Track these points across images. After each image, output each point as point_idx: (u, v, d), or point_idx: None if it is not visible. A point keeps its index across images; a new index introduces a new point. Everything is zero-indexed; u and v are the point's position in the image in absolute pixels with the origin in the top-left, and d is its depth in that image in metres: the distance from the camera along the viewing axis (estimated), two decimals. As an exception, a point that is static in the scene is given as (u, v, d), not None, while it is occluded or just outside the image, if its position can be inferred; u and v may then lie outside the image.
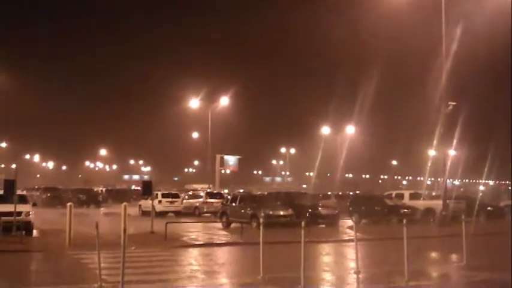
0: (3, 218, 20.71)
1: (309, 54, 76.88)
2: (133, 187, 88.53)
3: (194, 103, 55.28)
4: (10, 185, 21.67)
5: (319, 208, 29.58)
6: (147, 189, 25.06)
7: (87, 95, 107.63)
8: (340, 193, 49.67)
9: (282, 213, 26.91)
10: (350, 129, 62.32)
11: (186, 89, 59.22)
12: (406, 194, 35.60)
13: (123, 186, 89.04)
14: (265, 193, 41.45)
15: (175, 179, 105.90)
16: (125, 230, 11.34)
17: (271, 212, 26.14)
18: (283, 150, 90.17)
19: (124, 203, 21.01)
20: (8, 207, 21.62)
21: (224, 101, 54.64)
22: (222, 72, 58.86)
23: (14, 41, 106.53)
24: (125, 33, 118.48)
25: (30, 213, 23.10)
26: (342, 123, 62.93)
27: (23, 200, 23.48)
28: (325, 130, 64.74)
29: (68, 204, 20.47)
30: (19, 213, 21.83)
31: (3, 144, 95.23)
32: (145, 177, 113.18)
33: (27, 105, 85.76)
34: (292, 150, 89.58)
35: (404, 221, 13.13)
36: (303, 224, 12.60)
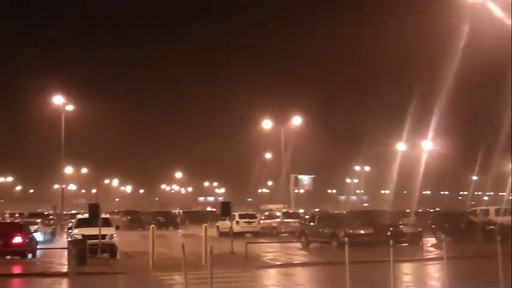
0: (89, 241, 21.31)
1: (381, 68, 75.75)
2: (208, 208, 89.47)
3: (267, 123, 55.44)
4: (95, 209, 22.30)
5: (401, 226, 28.72)
6: (226, 210, 25.15)
7: (162, 119, 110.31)
8: (420, 210, 48.25)
9: (362, 232, 26.29)
10: (426, 145, 60.67)
11: (259, 109, 59.57)
12: (492, 209, 34.14)
13: (198, 208, 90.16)
14: (344, 212, 40.80)
15: (249, 199, 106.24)
16: (211, 251, 11.27)
17: (351, 231, 25.57)
18: (357, 168, 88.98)
19: (204, 224, 21.17)
20: (93, 231, 22.25)
21: (296, 120, 54.49)
22: (292, 91, 58.95)
23: (91, 68, 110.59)
24: (197, 57, 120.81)
25: (114, 235, 23.66)
26: (418, 139, 61.39)
27: (107, 223, 24.12)
28: (401, 146, 63.32)
29: (151, 226, 20.80)
30: (104, 236, 22.42)
31: (85, 170, 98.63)
32: (220, 198, 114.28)
33: (106, 131, 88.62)
34: (367, 168, 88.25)
35: (498, 238, 12.47)
36: (391, 242, 12.19)
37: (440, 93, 44.44)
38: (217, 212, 61.45)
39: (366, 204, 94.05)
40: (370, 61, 77.68)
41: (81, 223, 24.76)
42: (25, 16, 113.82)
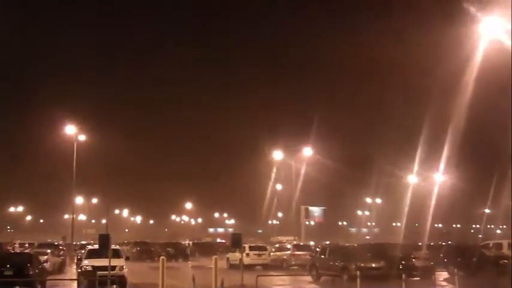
0: (99, 272, 21.22)
1: (393, 100, 75.72)
2: (218, 240, 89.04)
3: (277, 154, 55.47)
4: (105, 240, 22.20)
5: (413, 259, 28.37)
6: (236, 242, 25.01)
7: (172, 150, 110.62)
8: (431, 244, 47.71)
9: (374, 265, 25.98)
10: (438, 177, 60.37)
11: (269, 140, 59.70)
12: (505, 243, 33.67)
13: (208, 240, 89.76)
14: (355, 245, 40.43)
15: (260, 231, 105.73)
16: (222, 284, 11.18)
17: (362, 264, 25.27)
18: (368, 200, 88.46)
19: (214, 256, 21.05)
20: (103, 262, 22.16)
21: (307, 151, 54.51)
22: (303, 122, 59.04)
23: (104, 99, 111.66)
24: (207, 89, 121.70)
25: (124, 267, 23.55)
26: (429, 171, 61.11)
27: (117, 254, 24.02)
28: (412, 178, 63.04)
29: (161, 258, 20.66)
30: (114, 268, 22.30)
31: (95, 200, 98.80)
32: (230, 230, 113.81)
33: (117, 161, 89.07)
34: (378, 200, 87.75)
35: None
36: (403, 276, 12.04)
37: (452, 125, 44.36)
38: (227, 244, 61.29)
39: (367, 237, 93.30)
40: (381, 92, 77.69)
41: (91, 254, 24.68)
42: (36, 45, 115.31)
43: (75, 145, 48.59)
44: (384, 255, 27.87)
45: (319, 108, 54.42)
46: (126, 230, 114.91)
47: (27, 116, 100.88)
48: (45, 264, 26.38)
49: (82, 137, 49.65)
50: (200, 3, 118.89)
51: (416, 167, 60.14)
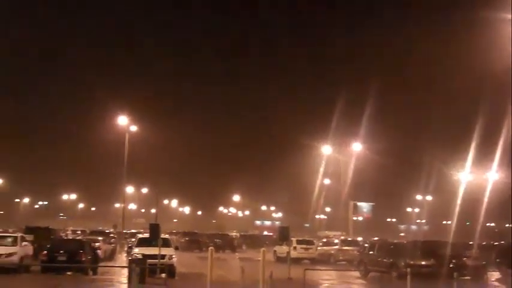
0: (149, 261, 21.58)
1: (448, 94, 74.02)
2: (265, 233, 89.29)
3: (326, 149, 55.13)
4: (155, 229, 22.58)
5: (464, 259, 27.73)
6: (284, 235, 25.01)
7: (223, 142, 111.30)
8: (484, 243, 46.58)
9: (423, 263, 25.55)
10: (491, 176, 58.81)
11: (319, 134, 59.32)
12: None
13: (255, 232, 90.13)
14: (405, 241, 39.89)
15: (307, 225, 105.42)
16: (271, 276, 11.20)
17: (412, 262, 24.88)
18: (419, 197, 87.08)
19: (262, 249, 21.09)
20: (153, 250, 22.55)
21: (357, 146, 53.97)
22: (353, 116, 58.17)
23: (155, 90, 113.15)
24: (256, 81, 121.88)
25: (173, 256, 23.90)
26: (482, 169, 59.57)
27: (166, 243, 24.39)
28: (465, 176, 61.60)
29: (209, 248, 20.85)
30: (163, 256, 22.65)
31: (145, 190, 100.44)
32: (277, 223, 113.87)
33: (168, 151, 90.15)
34: (429, 197, 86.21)
35: None
36: (455, 275, 11.79)
37: (507, 122, 43.18)
38: (274, 237, 61.41)
39: (402, 234, 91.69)
40: (435, 87, 76.11)
41: (141, 242, 25.14)
42: (93, 36, 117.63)
43: (126, 135, 49.50)
44: (434, 253, 27.34)
45: (370, 103, 53.51)
46: (175, 220, 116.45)
47: (81, 107, 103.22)
48: (97, 251, 26.98)
49: (133, 128, 50.52)
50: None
51: (469, 164, 58.76)
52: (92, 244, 28.12)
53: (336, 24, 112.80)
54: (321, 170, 63.84)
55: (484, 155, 56.27)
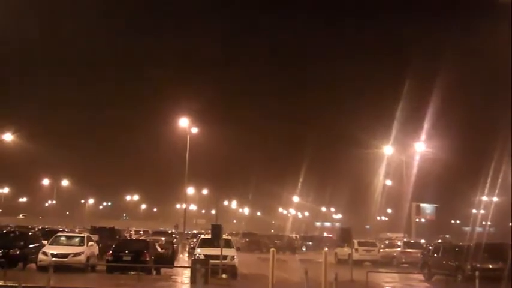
0: (211, 261, 21.76)
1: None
2: (325, 234, 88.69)
3: (388, 149, 54.23)
4: (217, 230, 22.78)
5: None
6: (345, 236, 24.72)
7: (282, 145, 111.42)
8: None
9: (491, 266, 24.72)
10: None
11: (381, 134, 58.28)
12: None
13: (315, 233, 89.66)
14: (471, 244, 38.73)
15: (367, 227, 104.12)
16: (336, 278, 11.08)
17: (478, 265, 24.11)
18: (485, 198, 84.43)
19: (325, 250, 20.94)
20: (215, 251, 22.75)
21: (420, 147, 52.81)
22: (417, 117, 56.91)
23: (218, 90, 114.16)
24: (317, 82, 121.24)
25: (235, 257, 24.03)
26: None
27: (228, 244, 24.56)
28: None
29: (271, 249, 20.84)
30: (225, 257, 22.83)
31: (205, 191, 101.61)
32: (337, 224, 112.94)
33: (228, 153, 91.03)
34: (495, 199, 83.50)
35: None
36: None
37: None
38: (334, 238, 60.91)
39: (449, 238, 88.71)
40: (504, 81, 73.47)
41: (204, 243, 25.39)
42: (152, 37, 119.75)
43: (188, 137, 50.09)
44: (502, 256, 26.41)
45: (435, 101, 52.17)
46: (234, 221, 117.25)
47: (144, 109, 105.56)
48: (161, 251, 27.41)
49: (195, 130, 51.10)
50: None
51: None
52: (156, 244, 28.60)
53: (397, 23, 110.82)
54: (383, 170, 62.90)
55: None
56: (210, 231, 24.82)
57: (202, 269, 17.82)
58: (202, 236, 29.10)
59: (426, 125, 52.42)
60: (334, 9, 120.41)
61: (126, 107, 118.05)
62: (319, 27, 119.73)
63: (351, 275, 23.27)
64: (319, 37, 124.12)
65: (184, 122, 50.40)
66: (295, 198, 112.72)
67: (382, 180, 69.00)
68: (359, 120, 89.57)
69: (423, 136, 53.76)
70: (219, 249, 22.50)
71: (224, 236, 24.40)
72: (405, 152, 53.71)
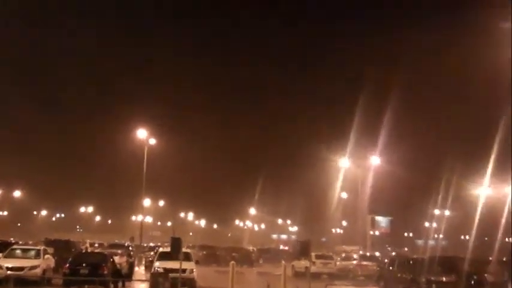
0: (170, 275, 21.68)
1: (465, 110, 73.38)
2: (281, 247, 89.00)
3: (344, 162, 55.06)
4: (177, 243, 22.65)
5: (485, 275, 27.46)
6: (304, 249, 24.89)
7: (236, 156, 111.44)
8: (504, 259, 46.06)
9: (444, 279, 25.36)
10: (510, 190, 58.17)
11: (336, 147, 59.12)
12: None
13: (271, 246, 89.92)
14: (425, 257, 39.62)
15: (323, 239, 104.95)
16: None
17: (432, 278, 24.75)
18: (437, 211, 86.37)
19: (283, 263, 21.14)
20: (174, 264, 22.64)
21: (375, 160, 53.81)
22: (370, 129, 58.05)
23: (174, 103, 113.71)
24: (273, 94, 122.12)
25: (194, 270, 24.00)
26: (505, 182, 58.97)
27: (187, 257, 24.50)
28: (482, 191, 61.11)
29: (231, 263, 20.97)
30: (184, 271, 22.74)
31: (161, 203, 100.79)
32: (293, 237, 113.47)
33: (183, 165, 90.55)
34: (447, 212, 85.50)
35: None
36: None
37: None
38: (290, 251, 61.23)
39: (406, 251, 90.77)
40: (457, 96, 75.37)
41: (162, 256, 25.25)
42: (112, 47, 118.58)
43: (145, 149, 49.75)
44: (455, 268, 27.11)
45: (388, 115, 53.32)
46: (190, 234, 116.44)
47: (99, 119, 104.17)
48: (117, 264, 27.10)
49: (152, 141, 50.80)
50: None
51: (488, 177, 58.29)
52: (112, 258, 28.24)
53: (350, 32, 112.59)
54: (339, 183, 63.74)
55: (505, 167, 55.77)
56: (166, 244, 24.73)
57: (166, 283, 17.76)
58: (161, 249, 28.92)
59: (382, 138, 53.53)
60: (288, 15, 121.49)
61: (83, 117, 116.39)
62: (274, 37, 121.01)
63: (310, 288, 23.47)
64: (276, 47, 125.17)
65: (142, 133, 50.08)
66: (252, 211, 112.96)
67: (338, 193, 69.92)
68: (316, 132, 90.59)
69: (378, 149, 54.88)
70: (178, 262, 22.36)
71: (183, 249, 24.30)
72: (361, 165, 54.59)
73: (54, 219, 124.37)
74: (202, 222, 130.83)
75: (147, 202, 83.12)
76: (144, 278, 26.29)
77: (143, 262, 43.62)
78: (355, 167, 56.01)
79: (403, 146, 66.22)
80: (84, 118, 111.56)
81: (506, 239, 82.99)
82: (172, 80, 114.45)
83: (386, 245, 79.27)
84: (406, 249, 49.66)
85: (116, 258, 29.89)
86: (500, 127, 48.47)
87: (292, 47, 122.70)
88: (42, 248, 26.35)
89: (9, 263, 23.43)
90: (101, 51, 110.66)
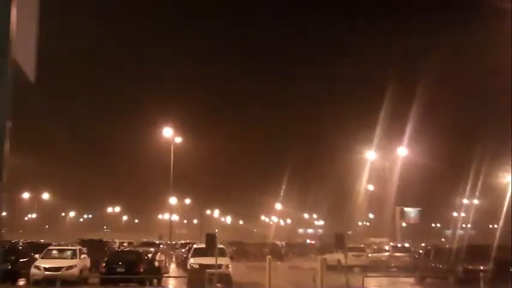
0: (207, 271, 21.71)
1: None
2: (308, 241, 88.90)
3: (371, 154, 54.69)
4: (212, 239, 22.72)
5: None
6: (339, 242, 24.85)
7: (263, 152, 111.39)
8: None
9: (482, 267, 25.02)
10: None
11: (363, 139, 58.66)
12: None
13: (298, 240, 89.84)
14: (461, 246, 39.23)
15: (349, 232, 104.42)
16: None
17: (470, 267, 24.44)
18: (465, 201, 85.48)
19: (321, 257, 21.06)
20: (209, 260, 22.71)
21: (402, 151, 53.37)
22: (398, 121, 57.42)
23: (200, 102, 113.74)
24: (299, 88, 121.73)
25: (229, 266, 24.04)
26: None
27: (222, 253, 24.53)
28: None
29: (268, 257, 20.93)
30: (220, 266, 22.78)
31: (188, 201, 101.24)
32: (320, 231, 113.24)
33: (210, 162, 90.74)
34: (476, 201, 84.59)
35: None
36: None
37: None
38: (317, 245, 61.14)
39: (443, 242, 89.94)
40: (485, 84, 74.28)
41: (197, 253, 25.34)
42: (134, 46, 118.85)
43: (172, 147, 49.92)
44: (490, 257, 26.76)
45: (416, 106, 52.71)
46: (216, 231, 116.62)
47: (126, 119, 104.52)
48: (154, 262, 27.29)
49: (178, 139, 50.97)
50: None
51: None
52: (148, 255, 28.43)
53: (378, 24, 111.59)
54: (365, 176, 63.40)
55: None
56: (193, 242, 24.79)
57: (202, 279, 17.80)
58: (195, 246, 29.02)
59: (409, 129, 53.01)
60: (312, 10, 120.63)
61: (107, 117, 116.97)
62: (300, 33, 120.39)
63: (347, 283, 23.39)
64: (301, 42, 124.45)
65: (168, 132, 50.27)
66: (278, 206, 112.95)
67: (365, 186, 69.56)
68: (342, 125, 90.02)
69: (405, 140, 54.40)
70: (213, 258, 22.40)
71: (218, 245, 24.34)
72: (388, 157, 54.17)
73: (81, 220, 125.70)
74: (228, 219, 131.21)
75: (173, 200, 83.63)
76: (179, 275, 26.40)
77: (173, 259, 43.89)
78: (382, 159, 55.67)
79: (430, 136, 65.56)
80: (110, 118, 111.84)
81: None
82: (197, 79, 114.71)
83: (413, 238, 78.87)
84: (442, 239, 49.31)
85: (157, 256, 30.13)
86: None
87: (315, 40, 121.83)
88: (78, 248, 26.60)
89: (47, 264, 23.70)
90: (124, 50, 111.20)
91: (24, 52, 3.15)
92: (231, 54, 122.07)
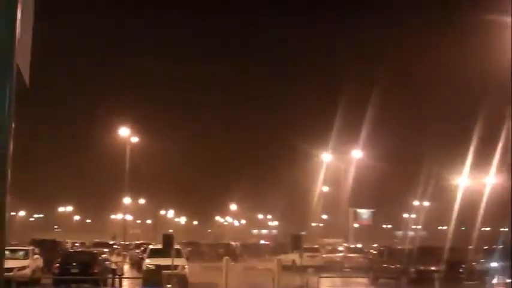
0: (162, 271, 21.58)
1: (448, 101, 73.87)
2: (262, 242, 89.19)
3: (326, 157, 55.31)
4: (169, 239, 22.61)
5: (473, 263, 27.92)
6: (296, 243, 25.06)
7: (216, 152, 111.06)
8: (485, 247, 46.82)
9: (433, 268, 25.69)
10: (491, 179, 59.06)
11: (317, 141, 59.25)
12: None
13: (253, 241, 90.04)
14: (414, 248, 40.10)
15: (303, 233, 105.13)
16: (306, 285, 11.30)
17: (422, 268, 25.06)
18: (416, 203, 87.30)
19: (277, 258, 21.21)
20: (165, 261, 22.59)
21: (357, 153, 54.17)
22: (352, 123, 58.21)
23: (155, 102, 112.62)
24: (254, 89, 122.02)
25: (186, 266, 23.95)
26: (484, 173, 59.76)
27: (178, 254, 24.42)
28: (463, 181, 61.87)
29: (225, 258, 20.96)
30: (176, 267, 22.67)
31: (142, 201, 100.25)
32: (274, 231, 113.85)
33: (163, 162, 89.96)
34: (426, 203, 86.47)
35: None
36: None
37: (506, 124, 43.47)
38: (272, 245, 61.47)
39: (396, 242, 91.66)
40: (434, 89, 76.05)
41: (153, 253, 25.16)
42: (92, 46, 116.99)
43: (128, 147, 49.38)
44: (442, 258, 27.48)
45: (371, 109, 53.57)
46: (171, 231, 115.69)
47: (80, 117, 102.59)
48: (107, 263, 26.93)
49: (135, 139, 50.46)
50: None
51: (467, 168, 59.03)
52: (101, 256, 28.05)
53: (335, 31, 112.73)
54: (320, 178, 64.03)
55: (484, 158, 56.53)
56: (148, 242, 24.63)
57: (157, 279, 17.71)
58: (152, 246, 28.79)
59: (363, 133, 53.80)
60: (269, 10, 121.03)
61: (63, 115, 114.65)
62: (259, 31, 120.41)
63: (304, 281, 23.60)
64: (258, 43, 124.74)
65: (124, 132, 49.69)
66: (233, 206, 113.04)
67: (319, 187, 70.27)
68: (297, 126, 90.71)
69: (360, 144, 55.23)
70: (170, 259, 22.27)
71: (175, 246, 24.21)
72: (343, 159, 54.90)
73: (32, 219, 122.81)
74: (183, 219, 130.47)
75: (127, 200, 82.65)
76: (134, 276, 26.15)
77: (127, 260, 43.45)
78: (336, 161, 56.33)
79: (384, 139, 66.71)
80: (65, 117, 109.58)
81: (482, 228, 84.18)
82: (154, 79, 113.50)
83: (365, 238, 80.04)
84: (395, 240, 50.37)
85: (113, 257, 29.74)
86: (480, 117, 49.22)
87: (275, 42, 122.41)
88: (30, 248, 26.04)
89: (-3, 264, 23.06)
90: (82, 49, 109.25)
91: (22, 54, 3.09)
92: (188, 54, 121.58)
